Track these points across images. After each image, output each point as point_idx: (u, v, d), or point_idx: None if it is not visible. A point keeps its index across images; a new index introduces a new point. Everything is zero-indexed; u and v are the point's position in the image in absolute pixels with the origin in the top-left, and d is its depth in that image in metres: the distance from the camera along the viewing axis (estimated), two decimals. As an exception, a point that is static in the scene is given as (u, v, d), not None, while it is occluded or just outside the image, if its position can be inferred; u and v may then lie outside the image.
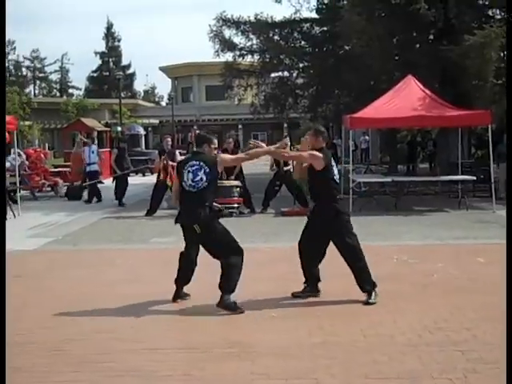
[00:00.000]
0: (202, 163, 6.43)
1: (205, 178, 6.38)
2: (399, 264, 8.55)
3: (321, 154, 6.57)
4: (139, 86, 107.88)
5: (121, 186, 16.82)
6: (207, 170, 6.39)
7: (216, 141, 6.76)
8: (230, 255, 6.37)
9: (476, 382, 4.43)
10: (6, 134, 14.94)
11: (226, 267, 6.34)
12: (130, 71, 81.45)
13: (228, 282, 6.27)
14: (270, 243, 10.61)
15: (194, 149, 7.14)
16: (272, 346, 5.26)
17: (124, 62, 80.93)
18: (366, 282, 6.61)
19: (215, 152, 6.77)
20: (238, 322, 6.02)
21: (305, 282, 6.84)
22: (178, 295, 6.71)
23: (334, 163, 6.75)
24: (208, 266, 6.70)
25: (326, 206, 6.66)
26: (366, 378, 4.53)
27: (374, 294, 6.59)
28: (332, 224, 6.60)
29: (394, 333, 5.52)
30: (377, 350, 5.09)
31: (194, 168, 6.42)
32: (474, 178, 15.76)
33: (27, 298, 7.04)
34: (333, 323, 5.86)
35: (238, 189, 14.20)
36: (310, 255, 6.76)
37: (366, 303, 6.48)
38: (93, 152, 18.28)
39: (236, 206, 14.23)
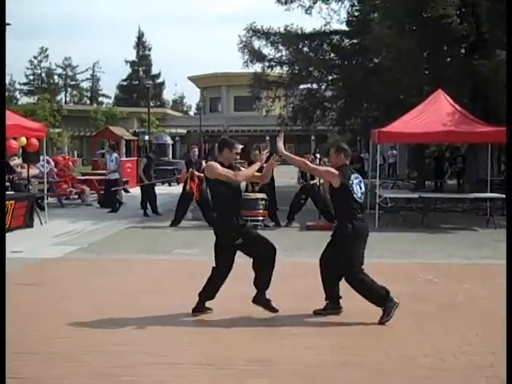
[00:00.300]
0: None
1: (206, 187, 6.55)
2: (424, 283, 8.41)
3: (336, 172, 6.48)
4: (168, 95, 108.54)
5: (147, 196, 16.87)
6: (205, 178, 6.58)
7: (239, 146, 6.65)
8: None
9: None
10: (36, 140, 15.08)
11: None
12: (160, 80, 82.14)
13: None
14: (292, 257, 10.52)
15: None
16: (292, 364, 5.18)
17: (154, 71, 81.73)
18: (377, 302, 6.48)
19: (237, 157, 6.71)
20: (258, 337, 5.95)
21: (326, 299, 6.75)
22: (199, 309, 6.66)
23: (356, 180, 6.54)
24: (233, 280, 6.64)
25: (342, 223, 6.54)
26: (388, 401, 4.43)
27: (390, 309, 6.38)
28: (346, 242, 6.47)
29: (417, 355, 5.40)
30: (400, 372, 4.98)
31: None
32: (503, 195, 15.49)
33: (48, 306, 7.05)
34: (356, 342, 5.76)
35: (264, 201, 14.13)
36: (330, 272, 6.66)
37: (380, 322, 6.32)
38: (112, 160, 18.38)
39: (261, 218, 14.16)
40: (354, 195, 6.47)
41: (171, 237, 12.82)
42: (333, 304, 6.71)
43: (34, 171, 17.67)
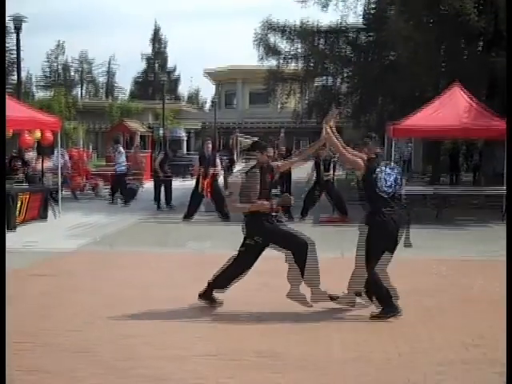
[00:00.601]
0: None
1: None
2: (439, 278, 8.34)
3: (362, 164, 6.43)
4: (183, 89, 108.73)
5: (162, 189, 16.92)
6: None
7: (271, 149, 6.73)
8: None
9: (514, 405, 4.24)
10: (50, 134, 15.13)
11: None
12: (175, 75, 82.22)
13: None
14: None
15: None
16: (303, 358, 5.14)
17: (169, 65, 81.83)
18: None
19: (268, 160, 6.66)
20: (270, 330, 5.91)
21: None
22: (207, 296, 6.65)
23: (382, 174, 6.37)
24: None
25: (366, 215, 6.51)
26: (399, 396, 4.38)
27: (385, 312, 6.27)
28: (365, 234, 6.42)
29: (429, 349, 5.35)
30: (411, 367, 4.93)
31: None
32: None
33: (60, 298, 7.06)
34: (367, 338, 5.70)
35: (276, 197, 14.05)
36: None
37: (374, 316, 6.26)
38: (119, 153, 18.60)
39: (273, 214, 14.08)
40: (377, 188, 6.33)
41: (184, 230, 12.83)
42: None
43: (48, 164, 17.73)
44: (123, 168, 18.52)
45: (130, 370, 4.88)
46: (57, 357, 5.16)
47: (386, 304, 6.26)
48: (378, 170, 6.38)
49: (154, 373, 4.83)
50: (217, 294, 6.69)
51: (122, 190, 18.08)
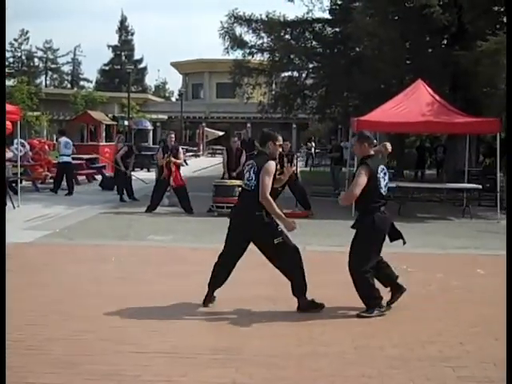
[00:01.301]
0: (254, 163, 6.35)
1: (254, 177, 6.24)
2: (398, 273, 8.33)
3: (362, 171, 6.28)
4: (150, 80, 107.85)
5: (122, 182, 16.75)
6: (255, 170, 6.25)
7: (281, 138, 6.53)
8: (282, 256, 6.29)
9: (466, 401, 4.26)
10: (9, 123, 14.83)
11: (283, 270, 6.33)
12: (142, 66, 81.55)
13: (297, 285, 6.28)
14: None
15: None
16: (259, 353, 5.09)
17: (136, 56, 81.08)
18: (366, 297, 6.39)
19: (280, 150, 6.57)
20: (225, 326, 5.86)
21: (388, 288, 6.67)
22: (209, 299, 6.47)
23: (382, 173, 6.36)
24: (198, 265, 6.57)
25: (363, 216, 6.46)
26: (351, 392, 4.36)
27: (371, 310, 6.29)
28: (364, 234, 6.40)
29: (385, 345, 5.34)
30: (366, 363, 4.92)
31: (248, 167, 6.37)
32: (480, 186, 15.54)
33: (16, 293, 6.88)
34: (324, 332, 5.69)
35: (240, 188, 14.01)
36: (380, 263, 6.66)
37: (358, 315, 6.25)
38: (64, 144, 18.42)
39: (237, 205, 14.05)
40: (380, 189, 6.33)
41: (146, 223, 12.69)
42: (397, 289, 6.63)
43: (8, 154, 17.39)
44: (66, 159, 18.34)
45: (82, 365, 4.78)
46: (9, 353, 5.02)
47: (372, 304, 6.28)
48: (379, 169, 6.36)
49: (108, 369, 4.74)
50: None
51: (67, 180, 18.07)
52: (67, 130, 21.36)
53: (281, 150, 6.61)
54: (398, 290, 6.65)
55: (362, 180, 6.25)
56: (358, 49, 20.51)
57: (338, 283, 7.07)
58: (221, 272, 6.44)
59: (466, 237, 11.72)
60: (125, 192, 16.59)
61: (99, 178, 23.02)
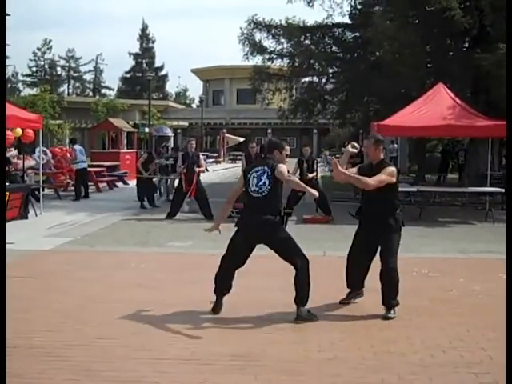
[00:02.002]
0: (265, 167, 6.27)
1: (267, 182, 6.19)
2: (419, 277, 8.29)
3: (394, 170, 6.42)
4: (171, 87, 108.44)
5: (145, 189, 16.84)
6: (269, 174, 6.21)
7: (288, 147, 6.53)
8: (297, 260, 6.26)
9: (488, 408, 4.19)
10: (31, 131, 14.97)
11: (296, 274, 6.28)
12: (163, 73, 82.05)
13: (300, 294, 6.24)
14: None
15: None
16: (278, 359, 5.07)
17: (157, 63, 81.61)
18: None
19: (287, 159, 6.49)
20: (246, 332, 5.85)
21: (349, 287, 6.83)
22: (219, 306, 6.43)
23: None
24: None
25: (390, 216, 6.47)
26: (371, 398, 4.32)
27: (394, 310, 6.39)
28: (394, 233, 6.51)
29: (406, 351, 5.29)
30: (386, 368, 4.87)
31: (258, 173, 6.26)
32: (503, 190, 15.35)
33: (37, 299, 6.95)
34: (344, 338, 5.65)
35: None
36: (364, 264, 6.80)
37: (385, 318, 6.27)
38: (79, 151, 19.11)
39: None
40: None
41: (166, 229, 12.72)
42: (356, 290, 6.77)
43: (30, 162, 17.59)
44: (84, 165, 19.01)
45: (102, 372, 4.79)
46: (28, 360, 5.06)
47: (393, 302, 6.40)
48: None
49: (127, 375, 4.75)
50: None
51: (84, 185, 18.66)
52: (91, 137, 21.71)
53: (287, 158, 6.51)
54: (356, 294, 6.78)
55: (389, 180, 6.30)
56: (378, 53, 20.37)
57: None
58: (227, 277, 6.42)
59: (489, 241, 11.58)
60: (145, 199, 16.67)
61: (120, 184, 23.20)
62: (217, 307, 6.40)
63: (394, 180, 6.40)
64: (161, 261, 9.48)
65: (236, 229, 6.40)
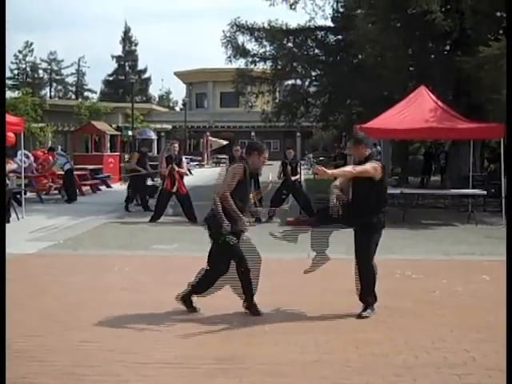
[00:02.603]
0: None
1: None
2: (402, 279, 8.33)
3: (379, 164, 6.42)
4: (154, 90, 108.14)
5: (138, 190, 16.80)
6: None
7: (267, 154, 6.56)
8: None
9: (471, 408, 4.22)
10: (12, 135, 14.86)
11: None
12: (146, 76, 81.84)
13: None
14: (270, 253, 10.40)
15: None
16: (262, 362, 5.07)
17: (140, 66, 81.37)
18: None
19: (262, 164, 6.59)
20: (230, 335, 5.84)
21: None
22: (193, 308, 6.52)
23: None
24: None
25: (374, 215, 6.47)
26: (356, 400, 4.33)
27: (371, 309, 6.43)
28: (374, 231, 6.52)
29: (389, 352, 5.31)
30: (370, 370, 4.88)
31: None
32: (485, 192, 15.48)
33: (19, 303, 6.89)
34: (328, 340, 5.66)
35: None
36: None
37: (359, 316, 6.31)
38: (60, 155, 19.75)
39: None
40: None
41: (150, 232, 12.68)
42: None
43: (12, 166, 17.41)
44: (68, 165, 19.23)
45: (83, 376, 4.76)
46: (11, 364, 5.01)
47: (370, 300, 6.47)
48: None
49: (110, 379, 4.73)
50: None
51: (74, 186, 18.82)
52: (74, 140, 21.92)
53: (264, 164, 6.60)
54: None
55: (372, 172, 6.31)
56: (360, 56, 20.49)
57: (340, 291, 7.06)
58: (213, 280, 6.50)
59: (471, 243, 11.67)
60: (133, 201, 16.64)
61: (103, 188, 23.09)
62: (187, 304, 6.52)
63: (378, 175, 6.38)
64: (145, 264, 9.44)
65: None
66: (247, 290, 6.36)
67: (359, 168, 6.38)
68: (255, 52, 23.03)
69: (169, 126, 55.45)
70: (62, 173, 19.05)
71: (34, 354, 5.23)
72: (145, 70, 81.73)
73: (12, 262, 9.17)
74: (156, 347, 5.47)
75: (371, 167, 6.35)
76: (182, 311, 6.51)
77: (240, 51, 22.79)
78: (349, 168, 6.62)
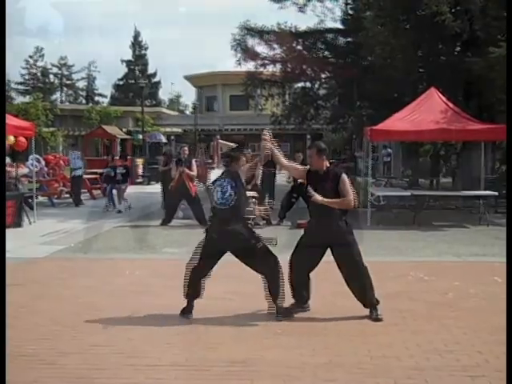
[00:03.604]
0: (228, 180, 6.50)
1: (234, 193, 6.39)
2: (415, 281, 8.28)
3: (346, 180, 6.47)
4: (164, 94, 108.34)
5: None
6: (234, 185, 6.42)
7: (244, 159, 6.81)
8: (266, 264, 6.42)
9: (484, 411, 4.17)
10: (24, 139, 14.93)
11: (266, 276, 6.42)
12: (156, 80, 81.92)
13: (275, 290, 6.39)
14: (280, 255, 10.39)
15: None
16: (274, 364, 5.05)
17: (150, 70, 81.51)
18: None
19: (244, 166, 6.74)
20: (241, 337, 5.82)
21: (295, 298, 6.75)
22: (189, 309, 6.49)
23: None
24: (219, 278, 6.58)
25: (342, 219, 6.49)
26: (368, 403, 4.30)
27: (378, 309, 6.43)
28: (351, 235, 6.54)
29: (401, 355, 5.27)
30: (382, 373, 4.85)
31: (221, 187, 6.49)
32: (496, 193, 15.38)
33: (30, 307, 6.91)
34: (339, 342, 5.63)
35: (254, 199, 13.99)
36: (306, 271, 6.75)
37: (376, 319, 6.29)
38: (77, 158, 19.46)
39: (251, 217, 14.04)
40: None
41: (160, 236, 12.67)
42: (299, 304, 6.66)
43: (23, 170, 17.54)
44: (79, 172, 19.21)
45: (96, 379, 4.77)
46: (22, 367, 5.03)
47: (374, 301, 6.46)
48: None
49: (120, 382, 4.74)
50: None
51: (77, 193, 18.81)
52: (85, 145, 21.94)
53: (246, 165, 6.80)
54: (299, 307, 6.67)
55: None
56: (369, 58, 20.43)
57: (351, 294, 6.98)
58: (197, 283, 6.48)
59: (483, 244, 11.59)
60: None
61: (115, 192, 23.10)
62: (187, 310, 6.48)
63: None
64: (155, 267, 9.44)
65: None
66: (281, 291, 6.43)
67: (352, 196, 6.44)
68: (265, 55, 23.03)
69: (179, 130, 55.52)
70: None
71: (45, 358, 5.24)
72: (155, 74, 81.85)
73: (24, 266, 9.24)
74: (167, 350, 5.47)
75: (350, 186, 6.50)
76: (192, 314, 6.49)
77: (249, 54, 22.79)
78: (350, 200, 6.44)
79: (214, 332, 5.97)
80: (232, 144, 55.27)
